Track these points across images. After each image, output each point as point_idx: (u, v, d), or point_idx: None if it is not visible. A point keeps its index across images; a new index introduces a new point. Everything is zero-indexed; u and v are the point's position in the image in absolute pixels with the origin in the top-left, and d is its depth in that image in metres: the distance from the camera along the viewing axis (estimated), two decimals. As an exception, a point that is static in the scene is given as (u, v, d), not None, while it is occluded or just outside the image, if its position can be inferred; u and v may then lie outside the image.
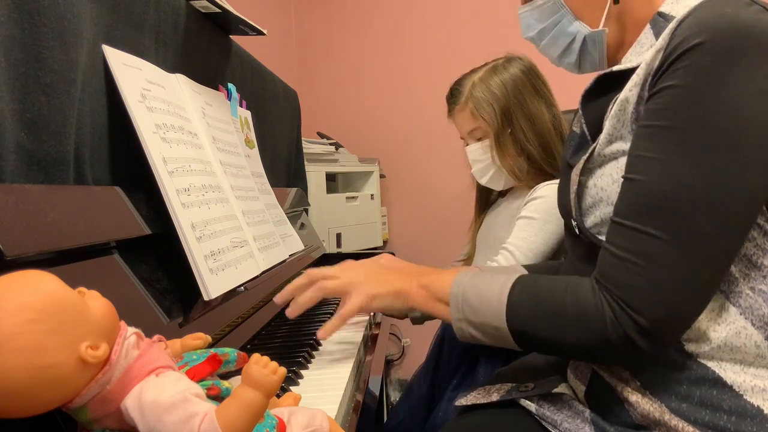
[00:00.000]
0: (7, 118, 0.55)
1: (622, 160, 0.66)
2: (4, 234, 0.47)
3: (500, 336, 0.71)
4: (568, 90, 0.77)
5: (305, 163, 1.85)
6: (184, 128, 0.84)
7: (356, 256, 1.64)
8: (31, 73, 0.58)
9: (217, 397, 0.47)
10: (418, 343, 2.43)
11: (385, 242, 2.52)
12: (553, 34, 0.80)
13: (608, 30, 0.76)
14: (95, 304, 0.42)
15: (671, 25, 0.62)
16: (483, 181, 1.36)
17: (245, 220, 0.95)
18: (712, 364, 0.63)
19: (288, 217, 1.28)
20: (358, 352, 0.87)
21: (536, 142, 1.27)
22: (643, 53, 0.68)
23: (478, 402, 0.81)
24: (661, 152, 0.61)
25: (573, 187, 0.72)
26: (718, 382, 0.62)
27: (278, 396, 0.56)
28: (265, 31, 1.17)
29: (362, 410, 0.71)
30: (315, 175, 1.91)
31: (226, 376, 0.53)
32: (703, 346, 0.63)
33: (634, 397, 0.66)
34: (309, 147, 1.98)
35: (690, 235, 0.59)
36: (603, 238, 0.68)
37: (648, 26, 0.70)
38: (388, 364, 2.48)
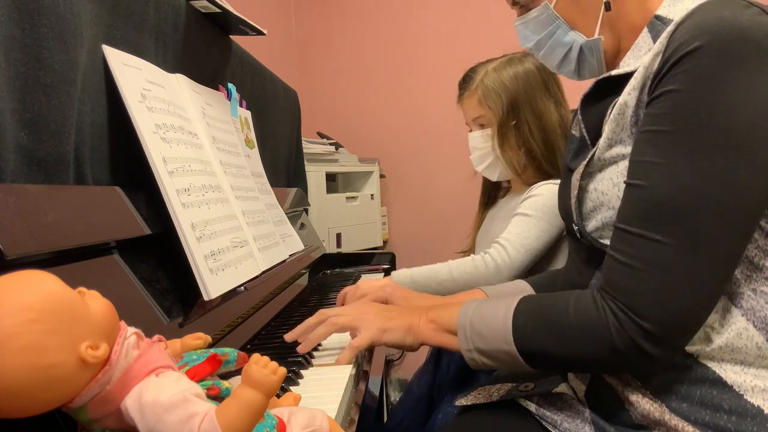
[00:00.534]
0: (7, 118, 0.55)
1: (623, 164, 0.66)
2: (4, 234, 0.47)
3: (512, 360, 0.71)
4: (581, 90, 0.77)
5: (305, 163, 1.85)
6: (184, 128, 0.84)
7: (356, 255, 1.65)
8: (31, 73, 0.58)
9: (217, 397, 0.47)
10: (418, 343, 2.43)
11: (385, 242, 2.52)
12: (549, 45, 0.80)
13: (604, 38, 0.76)
14: (95, 304, 0.42)
15: (669, 29, 0.62)
16: (479, 169, 1.38)
17: (245, 220, 0.95)
18: (712, 364, 0.63)
19: (288, 217, 1.28)
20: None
21: (540, 138, 1.27)
22: (641, 57, 0.68)
23: (478, 402, 0.82)
24: (663, 157, 0.61)
25: (573, 192, 0.72)
26: (719, 382, 0.62)
27: (278, 396, 0.56)
28: (265, 31, 1.17)
29: (362, 410, 0.71)
30: (315, 175, 1.91)
31: (226, 376, 0.53)
32: (705, 347, 0.63)
33: (635, 397, 0.66)
34: (309, 147, 1.98)
35: (696, 240, 0.59)
36: (604, 241, 0.68)
37: (645, 29, 0.70)
38: (388, 364, 2.48)
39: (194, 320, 0.72)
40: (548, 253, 1.23)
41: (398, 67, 2.53)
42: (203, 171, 0.85)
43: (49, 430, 0.43)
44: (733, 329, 0.63)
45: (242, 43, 1.25)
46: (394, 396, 2.27)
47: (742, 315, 0.63)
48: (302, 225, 1.52)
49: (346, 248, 2.02)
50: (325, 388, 0.72)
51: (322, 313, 0.85)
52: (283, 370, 0.45)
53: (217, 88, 1.08)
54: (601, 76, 0.73)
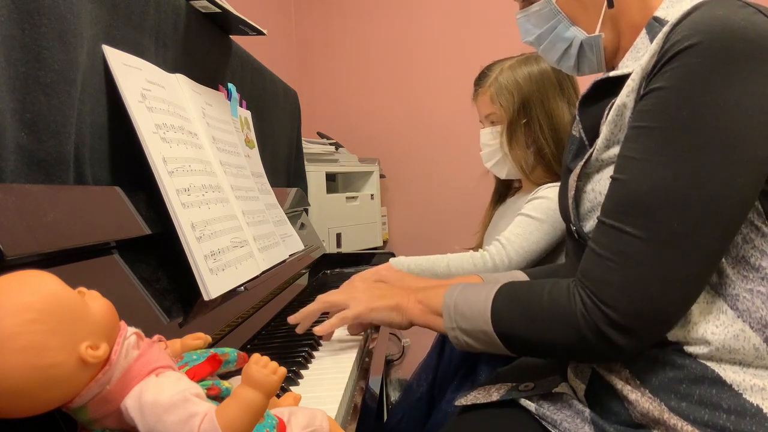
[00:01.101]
0: (7, 118, 0.55)
1: None
2: (4, 234, 0.47)
3: (490, 341, 0.73)
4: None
5: (305, 163, 1.85)
6: (184, 128, 0.84)
7: (356, 255, 1.65)
8: (31, 73, 0.58)
9: (217, 397, 0.47)
10: (418, 343, 2.43)
11: (385, 242, 2.52)
12: (550, 40, 0.81)
13: (604, 34, 0.76)
14: (95, 304, 0.42)
15: (665, 29, 0.62)
16: (488, 166, 1.39)
17: (245, 220, 0.95)
18: (711, 364, 0.63)
19: (288, 217, 1.28)
20: (358, 352, 0.87)
21: (551, 138, 1.27)
22: (639, 58, 0.69)
23: (478, 402, 0.81)
24: (643, 152, 0.62)
25: (571, 193, 0.72)
26: (718, 381, 0.62)
27: (278, 396, 0.56)
28: (265, 31, 1.17)
29: (362, 410, 0.71)
30: (315, 175, 1.91)
31: (226, 376, 0.53)
32: (702, 348, 0.63)
33: (634, 396, 0.66)
34: (309, 147, 1.98)
35: (668, 234, 0.60)
36: None
37: (644, 31, 0.71)
38: (388, 364, 2.48)
39: (194, 320, 0.72)
40: (553, 253, 1.23)
41: (398, 66, 2.53)
42: (203, 171, 0.85)
43: (49, 430, 0.43)
44: (729, 331, 0.63)
45: (242, 43, 1.25)
46: (394, 396, 2.26)
47: (738, 317, 0.63)
48: (302, 225, 1.52)
49: (346, 248, 2.02)
50: (325, 388, 0.72)
51: (319, 297, 0.91)
52: (283, 370, 0.45)
53: (217, 88, 1.08)
54: (599, 78, 0.73)
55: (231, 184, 0.95)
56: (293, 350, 0.84)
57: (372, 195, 2.30)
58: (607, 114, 0.69)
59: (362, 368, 0.83)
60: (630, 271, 0.62)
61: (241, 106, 1.20)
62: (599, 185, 0.69)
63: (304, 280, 1.30)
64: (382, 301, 0.86)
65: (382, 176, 2.45)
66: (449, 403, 1.19)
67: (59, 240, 0.55)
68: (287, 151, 1.67)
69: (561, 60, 0.83)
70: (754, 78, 0.58)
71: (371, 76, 2.58)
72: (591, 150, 0.70)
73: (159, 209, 0.72)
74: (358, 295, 0.88)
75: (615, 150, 0.67)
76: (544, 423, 0.73)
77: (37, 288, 0.39)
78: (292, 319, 0.89)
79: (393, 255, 1.61)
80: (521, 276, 1.03)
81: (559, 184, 1.23)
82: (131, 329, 0.45)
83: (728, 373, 0.62)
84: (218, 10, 1.02)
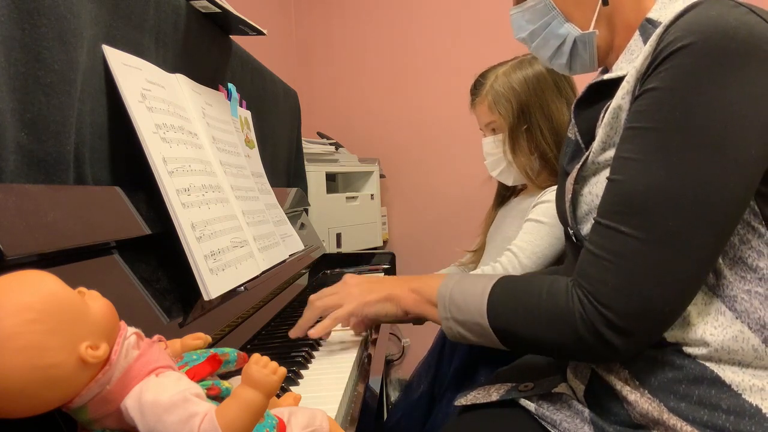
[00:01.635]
0: (7, 118, 0.55)
1: None
2: (4, 234, 0.47)
3: (484, 333, 0.73)
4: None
5: (305, 163, 1.85)
6: (184, 128, 0.84)
7: (356, 255, 1.65)
8: (31, 73, 0.58)
9: (217, 397, 0.47)
10: (418, 343, 2.43)
11: (385, 242, 2.52)
12: (543, 36, 0.80)
13: (598, 32, 0.76)
14: (95, 304, 0.42)
15: (658, 30, 0.62)
16: (494, 174, 1.38)
17: (245, 220, 0.95)
18: (710, 364, 0.63)
19: (288, 217, 1.28)
20: (358, 352, 0.87)
21: (552, 141, 1.26)
22: (633, 60, 0.69)
23: (477, 401, 0.82)
24: (638, 153, 0.62)
25: (568, 196, 0.72)
26: (717, 382, 0.62)
27: (278, 396, 0.56)
28: (265, 31, 1.17)
29: (362, 410, 0.71)
30: (315, 175, 1.91)
31: (226, 376, 0.53)
32: (701, 349, 0.63)
33: (633, 396, 0.66)
34: (309, 147, 1.98)
35: (663, 234, 0.60)
36: None
37: (637, 33, 0.71)
38: (388, 364, 2.48)
39: (194, 320, 0.72)
40: (560, 259, 1.23)
41: (398, 66, 2.53)
42: (203, 171, 0.85)
43: (49, 430, 0.43)
44: (728, 332, 0.63)
45: (242, 43, 1.25)
46: (394, 396, 2.26)
47: (737, 318, 0.63)
48: (302, 225, 1.52)
49: (346, 248, 2.02)
50: (325, 388, 0.72)
51: (310, 300, 0.89)
52: (283, 370, 0.45)
53: (217, 88, 1.08)
54: (594, 81, 0.73)
55: (231, 184, 0.95)
56: (293, 350, 0.84)
57: (372, 195, 2.30)
58: (603, 117, 0.69)
59: (362, 368, 0.83)
60: (626, 271, 0.62)
61: (241, 106, 1.20)
62: (596, 188, 0.69)
63: (304, 280, 1.30)
64: (373, 294, 0.85)
65: (382, 176, 2.45)
66: (449, 402, 1.19)
67: (59, 240, 0.55)
68: (287, 151, 1.67)
69: (553, 58, 0.82)
70: (748, 78, 0.58)
71: (371, 76, 2.58)
72: (587, 153, 0.70)
73: (159, 209, 0.72)
74: (350, 291, 0.87)
75: (611, 153, 0.67)
76: (543, 423, 0.74)
77: (37, 288, 0.39)
78: (293, 334, 0.87)
79: (393, 255, 1.61)
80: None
81: None
82: (131, 329, 0.45)
83: (727, 374, 0.62)
84: (218, 10, 1.02)
